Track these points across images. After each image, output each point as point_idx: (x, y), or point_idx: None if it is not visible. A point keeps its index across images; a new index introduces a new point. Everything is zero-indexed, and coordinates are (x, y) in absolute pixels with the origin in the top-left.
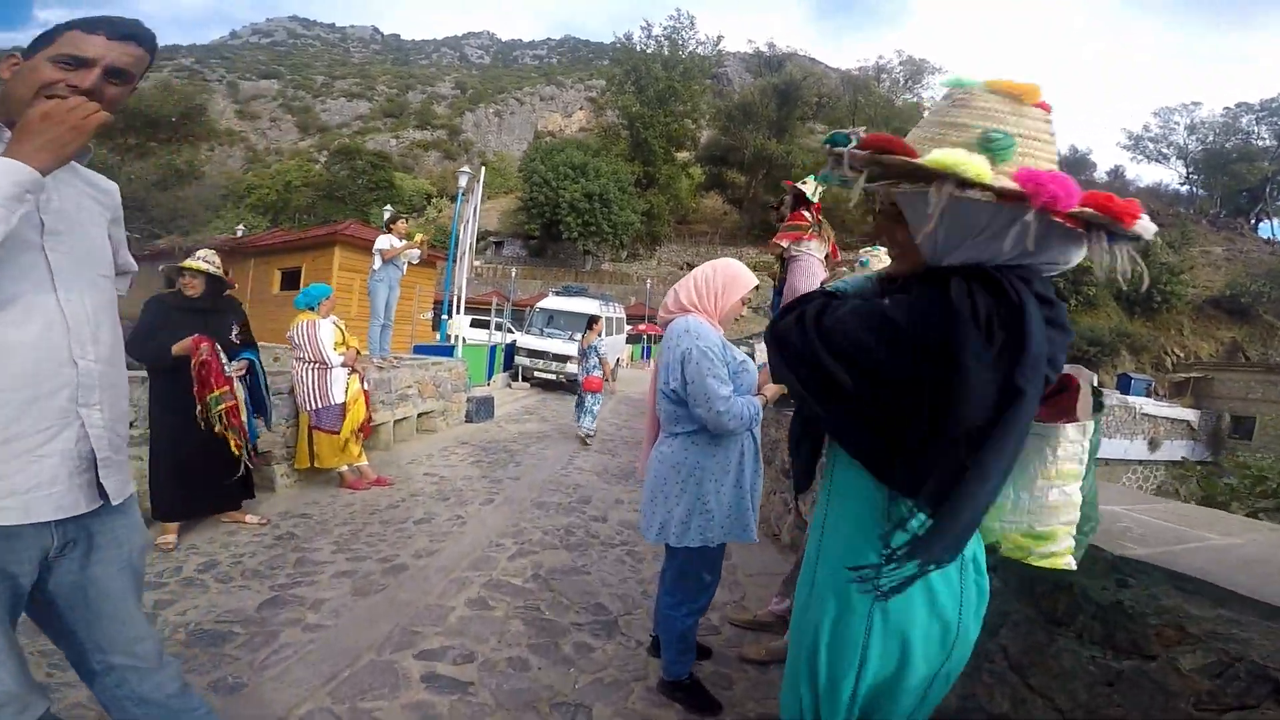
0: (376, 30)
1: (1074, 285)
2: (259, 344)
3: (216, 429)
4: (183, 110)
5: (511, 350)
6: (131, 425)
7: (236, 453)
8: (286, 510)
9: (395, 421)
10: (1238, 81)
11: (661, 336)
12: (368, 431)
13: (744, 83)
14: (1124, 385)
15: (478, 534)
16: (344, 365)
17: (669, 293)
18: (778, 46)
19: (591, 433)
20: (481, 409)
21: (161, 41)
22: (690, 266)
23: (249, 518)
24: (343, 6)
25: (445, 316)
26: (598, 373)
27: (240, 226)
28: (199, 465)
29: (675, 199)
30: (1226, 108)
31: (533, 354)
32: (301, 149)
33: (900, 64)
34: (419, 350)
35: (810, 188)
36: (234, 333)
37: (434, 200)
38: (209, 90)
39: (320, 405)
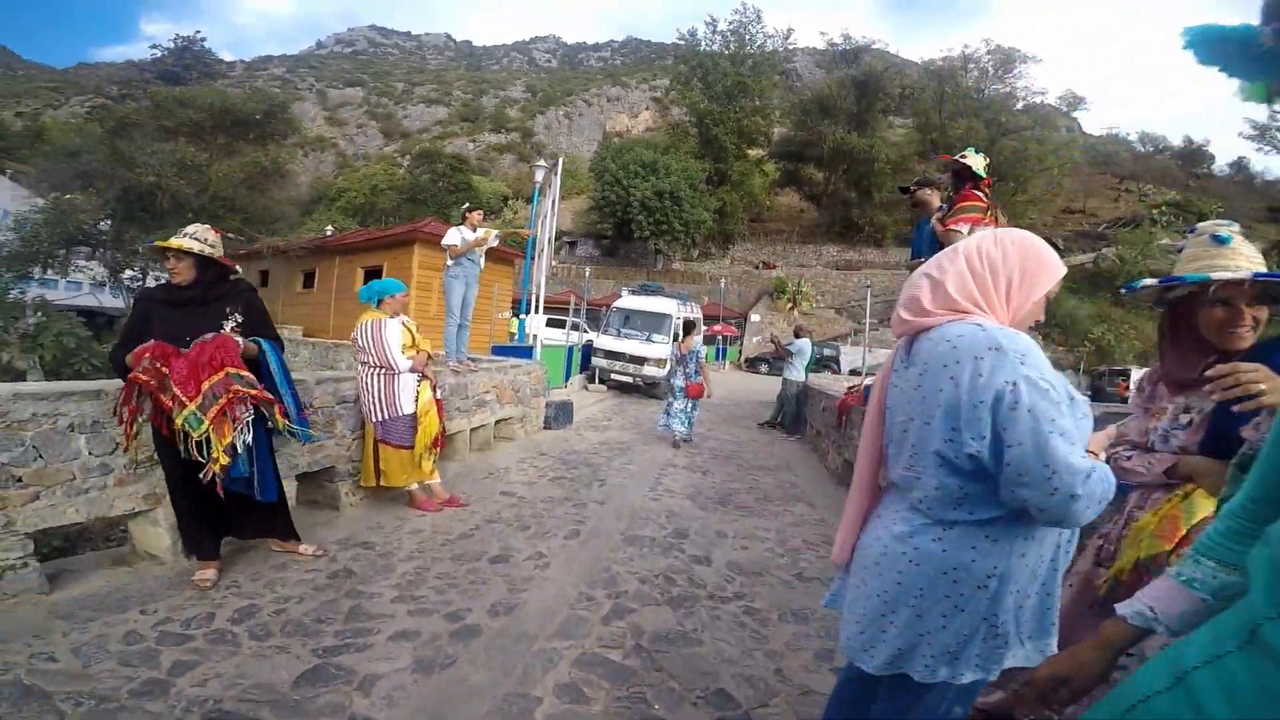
0: (450, 37)
1: None
2: (330, 341)
3: (196, 455)
4: (265, 109)
5: (588, 351)
6: (116, 449)
7: (217, 474)
8: (347, 536)
9: (471, 430)
10: None
11: (733, 338)
12: (441, 445)
13: (814, 79)
14: None
15: (563, 581)
16: (413, 371)
17: (913, 281)
18: (852, 38)
19: (686, 438)
20: (560, 415)
21: (255, 53)
22: (766, 265)
23: (303, 548)
24: (417, 15)
25: (523, 315)
26: (699, 379)
27: (329, 227)
28: (214, 493)
29: (749, 196)
30: None
31: (609, 355)
32: (386, 154)
33: (988, 53)
34: (497, 351)
35: (978, 161)
36: (228, 327)
37: (510, 202)
38: (301, 97)
39: (386, 416)
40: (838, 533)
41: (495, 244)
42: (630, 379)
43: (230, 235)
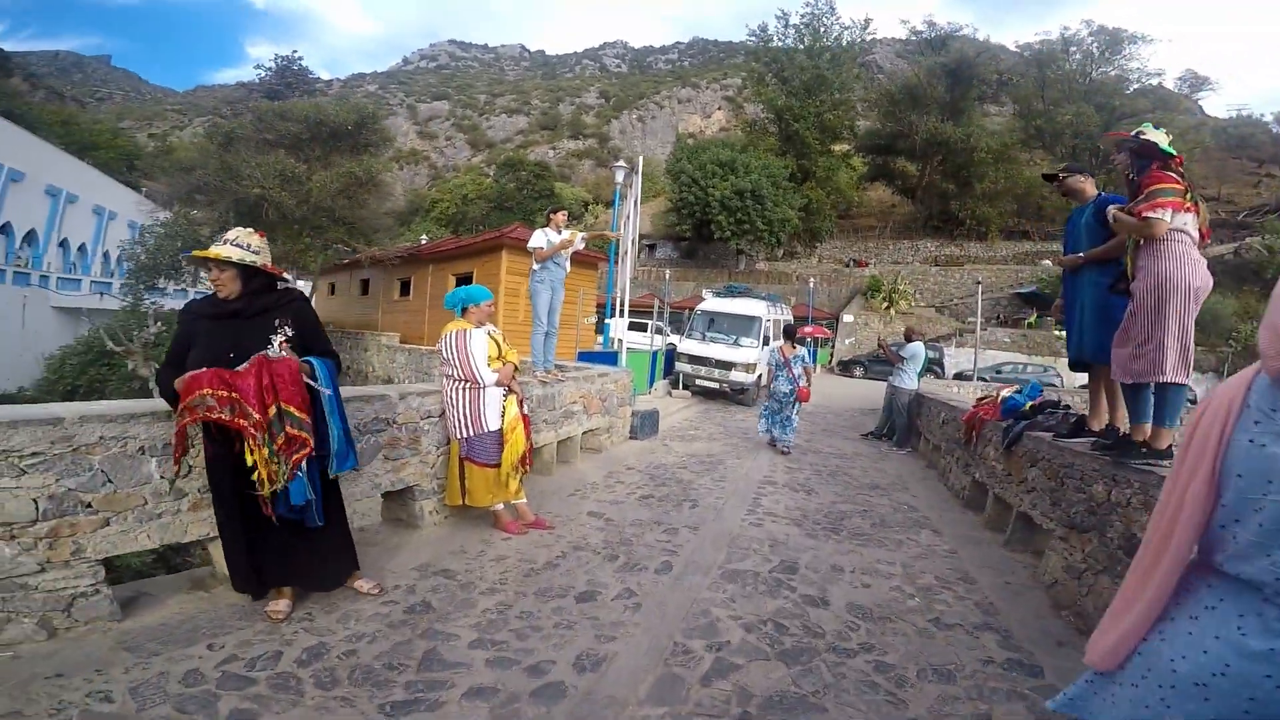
0: (524, 48)
1: None
2: (425, 347)
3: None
4: (356, 119)
5: (671, 356)
6: (189, 473)
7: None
8: (428, 562)
9: (559, 442)
10: None
11: (825, 340)
12: (529, 463)
13: (897, 70)
14: None
15: (656, 629)
16: (499, 385)
17: None
18: (937, 25)
19: (788, 448)
20: (646, 424)
21: (348, 70)
22: (857, 263)
23: (360, 583)
24: (493, 28)
25: (608, 320)
26: (804, 382)
27: (424, 236)
28: (274, 527)
29: (836, 192)
30: None
31: (694, 360)
32: (474, 164)
33: (1090, 35)
34: (583, 358)
35: (1160, 136)
36: (277, 342)
37: (590, 206)
38: (393, 112)
39: (471, 433)
40: (1103, 626)
41: (581, 246)
42: (716, 385)
43: (338, 245)
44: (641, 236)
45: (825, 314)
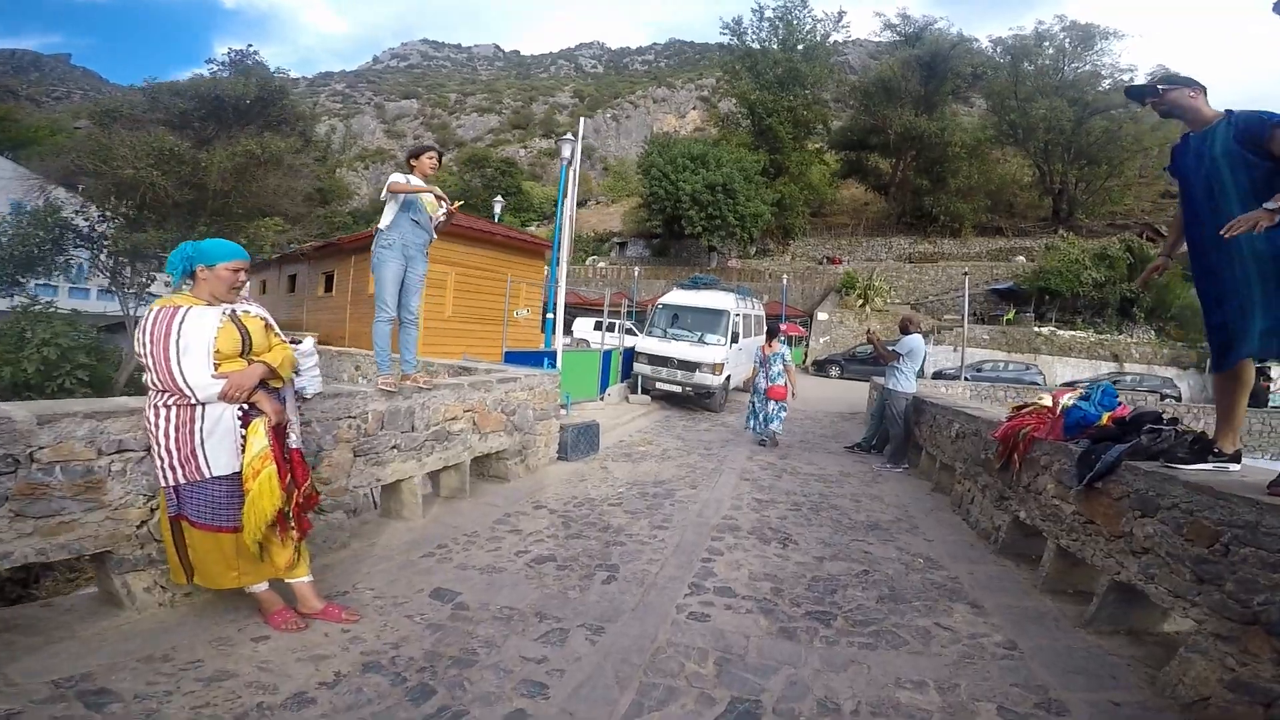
0: (498, 48)
1: None
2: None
3: None
4: (258, 94)
5: (630, 356)
6: None
7: None
8: (89, 672)
9: (432, 474)
10: None
11: (800, 338)
12: (304, 526)
13: (870, 70)
14: None
15: None
16: (229, 400)
17: None
18: (912, 18)
19: (773, 439)
20: (582, 440)
21: (316, 69)
22: (831, 260)
23: None
24: (468, 28)
25: (549, 315)
26: (782, 380)
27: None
28: None
29: (809, 188)
30: None
31: (654, 360)
32: (443, 163)
33: (1063, 30)
34: (511, 358)
35: None
36: None
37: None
38: (361, 111)
39: (182, 479)
40: None
41: (443, 216)
42: (679, 388)
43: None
44: (613, 234)
45: (799, 312)
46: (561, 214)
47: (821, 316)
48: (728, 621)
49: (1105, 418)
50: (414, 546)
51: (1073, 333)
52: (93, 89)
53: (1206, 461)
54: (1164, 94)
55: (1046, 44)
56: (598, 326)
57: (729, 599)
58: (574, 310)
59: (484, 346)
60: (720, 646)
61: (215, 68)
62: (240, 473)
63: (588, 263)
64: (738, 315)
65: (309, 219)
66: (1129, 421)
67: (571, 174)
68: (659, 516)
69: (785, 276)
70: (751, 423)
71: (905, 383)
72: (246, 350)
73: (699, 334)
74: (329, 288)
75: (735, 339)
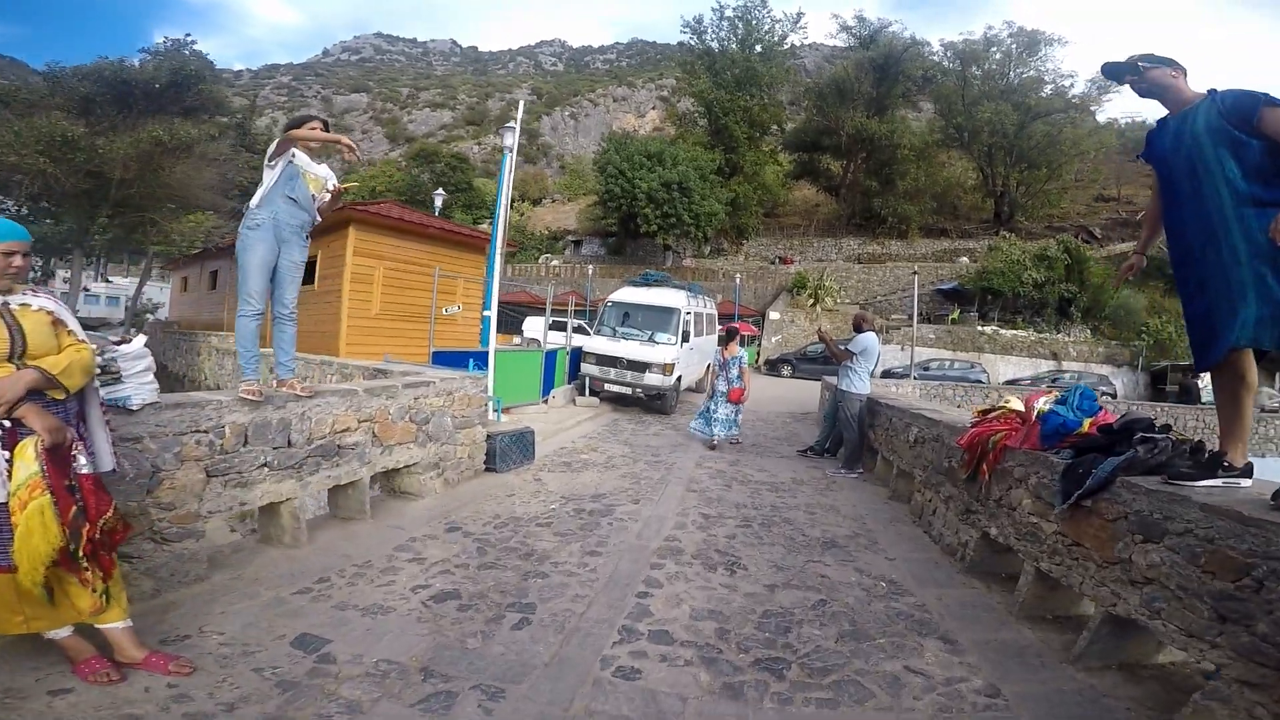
0: (455, 43)
1: None
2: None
3: None
4: (169, 79)
5: (578, 356)
6: None
7: None
8: None
9: (334, 489)
10: None
11: (753, 338)
12: (106, 565)
13: (826, 73)
14: None
15: None
16: None
17: None
18: (868, 20)
19: (736, 440)
20: (514, 449)
21: (264, 61)
22: (783, 260)
23: None
24: (424, 23)
25: (486, 312)
26: (740, 384)
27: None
28: None
29: (763, 189)
30: None
31: (602, 361)
32: (391, 158)
33: (1010, 36)
34: (440, 359)
35: None
36: None
37: (516, 204)
38: (306, 104)
39: None
40: None
41: (328, 205)
42: (628, 390)
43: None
44: (568, 233)
45: (752, 311)
46: (500, 205)
47: (774, 316)
48: (662, 678)
49: (1087, 424)
50: (290, 580)
51: (1014, 332)
52: (19, 78)
53: (1216, 476)
54: (1145, 72)
55: (994, 49)
56: (554, 326)
57: (665, 646)
58: (525, 309)
59: (415, 347)
60: (651, 713)
61: (147, 57)
62: (6, 504)
63: (541, 261)
64: (689, 314)
65: (234, 212)
66: (1118, 430)
67: (509, 163)
68: (593, 539)
69: (739, 276)
70: (702, 425)
71: (859, 384)
72: (19, 352)
73: (649, 333)
74: None
75: (687, 338)
